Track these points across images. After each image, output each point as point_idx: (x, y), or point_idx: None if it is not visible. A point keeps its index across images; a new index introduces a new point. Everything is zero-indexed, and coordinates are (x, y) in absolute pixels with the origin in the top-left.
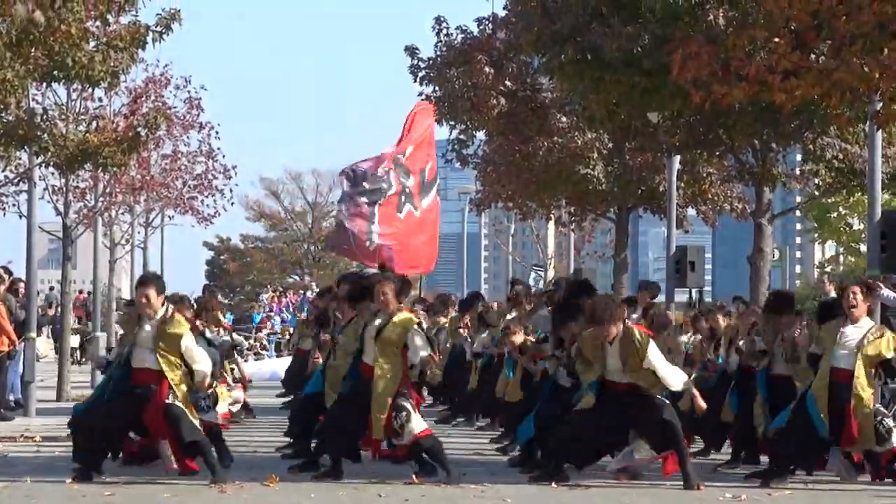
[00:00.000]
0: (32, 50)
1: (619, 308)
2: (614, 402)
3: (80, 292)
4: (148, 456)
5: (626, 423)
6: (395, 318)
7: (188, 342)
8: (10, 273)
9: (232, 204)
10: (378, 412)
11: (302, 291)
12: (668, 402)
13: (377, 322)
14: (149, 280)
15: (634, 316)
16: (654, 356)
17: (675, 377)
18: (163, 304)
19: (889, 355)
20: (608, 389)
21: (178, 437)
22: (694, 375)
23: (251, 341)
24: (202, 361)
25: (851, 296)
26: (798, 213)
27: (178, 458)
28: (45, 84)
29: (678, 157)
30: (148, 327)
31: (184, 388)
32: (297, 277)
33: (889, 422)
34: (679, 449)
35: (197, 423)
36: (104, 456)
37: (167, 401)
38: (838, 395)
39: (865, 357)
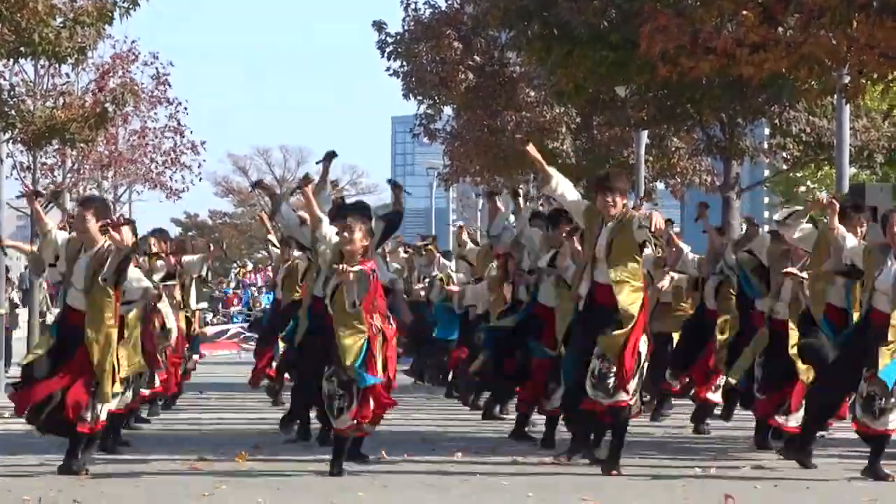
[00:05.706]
0: None
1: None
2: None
3: None
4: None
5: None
6: None
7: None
8: None
9: (200, 180)
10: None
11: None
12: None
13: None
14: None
15: None
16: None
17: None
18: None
19: None
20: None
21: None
22: None
23: (220, 317)
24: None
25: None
26: (766, 187)
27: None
28: (11, 60)
29: (646, 132)
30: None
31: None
32: (265, 253)
33: None
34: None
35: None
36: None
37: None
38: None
39: None
